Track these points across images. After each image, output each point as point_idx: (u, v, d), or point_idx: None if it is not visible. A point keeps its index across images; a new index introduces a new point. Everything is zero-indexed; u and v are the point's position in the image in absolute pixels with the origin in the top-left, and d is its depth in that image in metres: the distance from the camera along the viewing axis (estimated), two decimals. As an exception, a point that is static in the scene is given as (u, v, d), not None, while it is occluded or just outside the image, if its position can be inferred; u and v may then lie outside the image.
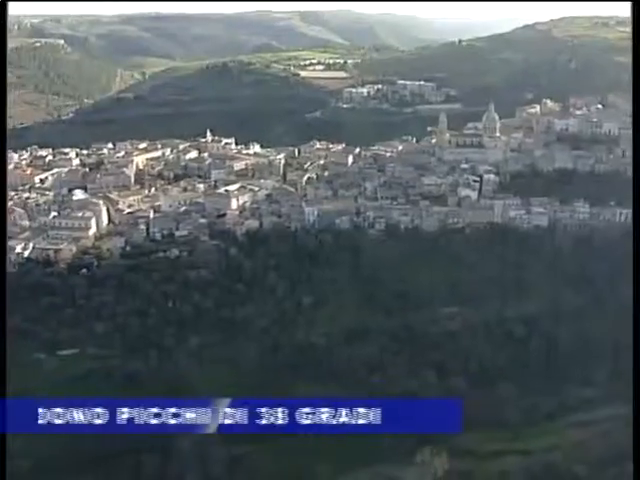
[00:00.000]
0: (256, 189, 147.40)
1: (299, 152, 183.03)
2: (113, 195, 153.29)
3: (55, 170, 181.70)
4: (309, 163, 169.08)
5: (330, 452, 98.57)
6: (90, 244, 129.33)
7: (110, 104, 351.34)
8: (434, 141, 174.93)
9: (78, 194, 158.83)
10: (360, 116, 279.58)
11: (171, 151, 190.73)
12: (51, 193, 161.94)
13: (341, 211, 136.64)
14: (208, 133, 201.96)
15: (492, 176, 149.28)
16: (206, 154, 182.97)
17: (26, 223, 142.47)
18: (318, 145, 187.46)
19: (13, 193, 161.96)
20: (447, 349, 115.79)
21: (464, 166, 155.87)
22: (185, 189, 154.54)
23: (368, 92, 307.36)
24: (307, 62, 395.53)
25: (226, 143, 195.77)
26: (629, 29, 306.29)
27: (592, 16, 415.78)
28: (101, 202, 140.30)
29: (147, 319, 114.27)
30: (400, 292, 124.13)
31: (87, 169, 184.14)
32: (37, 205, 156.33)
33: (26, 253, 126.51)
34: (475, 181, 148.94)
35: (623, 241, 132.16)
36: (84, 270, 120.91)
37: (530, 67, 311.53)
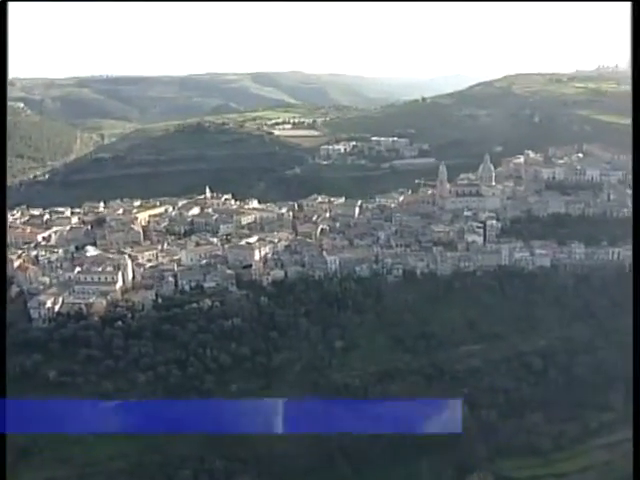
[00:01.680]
0: (276, 241, 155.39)
1: (299, 206, 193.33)
2: (127, 251, 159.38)
3: (55, 228, 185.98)
4: (316, 216, 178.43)
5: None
6: (120, 297, 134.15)
7: (87, 164, 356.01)
8: (430, 192, 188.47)
9: (91, 250, 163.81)
10: (340, 172, 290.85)
11: (173, 208, 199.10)
12: (60, 250, 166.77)
13: (360, 259, 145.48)
14: (207, 190, 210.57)
15: (494, 222, 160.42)
16: (210, 210, 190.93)
17: (46, 279, 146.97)
18: (320, 199, 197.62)
19: (20, 252, 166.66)
20: (473, 384, 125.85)
21: (467, 214, 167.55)
22: (198, 243, 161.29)
23: (345, 149, 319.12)
24: (272, 121, 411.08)
25: (226, 199, 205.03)
26: (583, 84, 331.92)
27: (544, 73, 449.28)
28: (126, 256, 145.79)
29: (187, 368, 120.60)
30: (423, 333, 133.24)
31: (89, 227, 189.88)
32: (49, 262, 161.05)
33: (57, 308, 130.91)
34: (479, 227, 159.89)
35: (619, 277, 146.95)
36: (119, 322, 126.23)
37: (495, 122, 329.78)
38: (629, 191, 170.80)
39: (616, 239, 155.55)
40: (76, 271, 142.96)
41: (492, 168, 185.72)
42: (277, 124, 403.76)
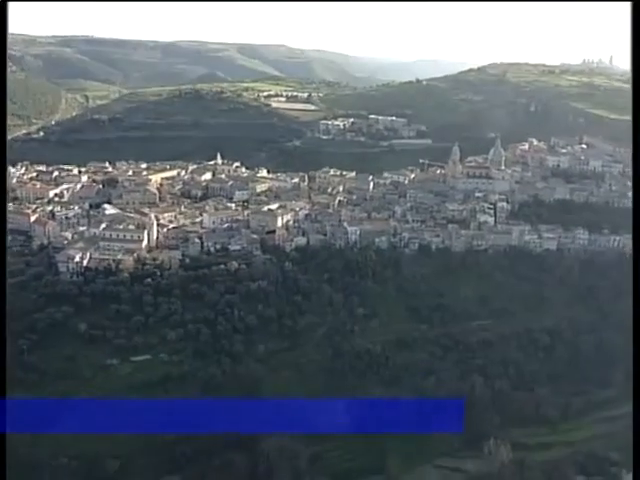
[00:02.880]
0: (297, 209, 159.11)
1: (311, 178, 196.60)
2: (146, 211, 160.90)
3: (66, 185, 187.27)
4: (331, 188, 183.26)
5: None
6: (146, 255, 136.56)
7: (84, 125, 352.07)
8: (439, 172, 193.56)
9: (109, 209, 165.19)
10: (340, 147, 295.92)
11: (184, 172, 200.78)
12: (75, 207, 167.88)
13: (379, 232, 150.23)
14: (218, 156, 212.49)
15: (505, 204, 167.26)
16: (223, 176, 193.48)
17: (67, 234, 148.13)
18: (332, 172, 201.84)
19: (35, 206, 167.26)
20: (486, 356, 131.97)
21: (478, 195, 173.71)
22: (216, 208, 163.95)
23: (344, 125, 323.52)
24: (265, 93, 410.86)
25: (237, 166, 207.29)
26: (576, 78, 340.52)
27: (536, 64, 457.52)
28: (152, 215, 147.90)
29: (216, 327, 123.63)
30: (438, 305, 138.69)
31: (100, 186, 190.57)
32: (67, 218, 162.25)
33: (85, 262, 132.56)
34: (489, 208, 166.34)
35: (620, 264, 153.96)
36: (148, 279, 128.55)
37: (491, 108, 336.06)
38: (630, 183, 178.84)
39: (617, 228, 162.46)
40: (101, 227, 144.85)
41: (502, 152, 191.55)
42: (271, 96, 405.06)
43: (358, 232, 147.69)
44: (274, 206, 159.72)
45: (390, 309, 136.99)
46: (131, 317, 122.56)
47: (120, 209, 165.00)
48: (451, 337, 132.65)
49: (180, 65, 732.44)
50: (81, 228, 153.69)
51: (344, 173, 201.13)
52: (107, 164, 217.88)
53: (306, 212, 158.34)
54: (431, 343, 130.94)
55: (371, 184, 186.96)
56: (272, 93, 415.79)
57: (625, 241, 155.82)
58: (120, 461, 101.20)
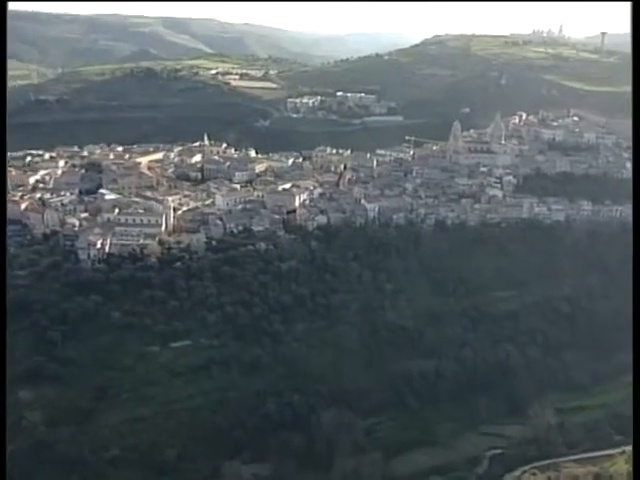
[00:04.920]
0: (311, 188, 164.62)
1: (307, 157, 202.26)
2: (149, 195, 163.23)
3: (43, 172, 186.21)
4: (333, 166, 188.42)
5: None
6: (169, 239, 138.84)
7: (28, 106, 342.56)
8: (435, 148, 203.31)
9: (108, 194, 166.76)
10: (312, 126, 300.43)
11: (170, 154, 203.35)
12: (67, 193, 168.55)
13: (396, 208, 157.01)
14: (205, 137, 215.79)
15: (511, 178, 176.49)
16: (216, 157, 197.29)
17: (73, 221, 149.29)
18: (328, 150, 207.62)
19: (20, 194, 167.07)
20: (513, 326, 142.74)
21: (483, 169, 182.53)
22: (220, 189, 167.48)
23: (312, 103, 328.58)
24: (213, 71, 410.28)
25: (225, 147, 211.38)
26: (542, 49, 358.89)
27: (496, 35, 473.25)
28: (169, 199, 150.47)
29: (253, 308, 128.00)
30: (461, 279, 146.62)
31: (83, 171, 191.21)
32: (63, 205, 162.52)
33: (107, 249, 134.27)
34: (496, 182, 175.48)
35: (624, 233, 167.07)
36: (178, 263, 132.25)
37: (461, 82, 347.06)
38: (625, 154, 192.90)
39: (618, 197, 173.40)
40: (115, 212, 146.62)
41: (502, 126, 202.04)
42: (222, 74, 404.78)
43: (376, 209, 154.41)
44: (287, 185, 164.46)
45: (416, 284, 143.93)
46: (166, 302, 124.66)
47: (119, 194, 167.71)
48: (477, 309, 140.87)
49: (104, 41, 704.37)
50: (83, 215, 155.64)
51: (340, 151, 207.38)
52: (75, 148, 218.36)
53: (320, 191, 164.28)
54: (459, 315, 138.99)
55: (374, 161, 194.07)
56: (221, 71, 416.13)
57: (627, 211, 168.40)
58: (177, 450, 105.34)
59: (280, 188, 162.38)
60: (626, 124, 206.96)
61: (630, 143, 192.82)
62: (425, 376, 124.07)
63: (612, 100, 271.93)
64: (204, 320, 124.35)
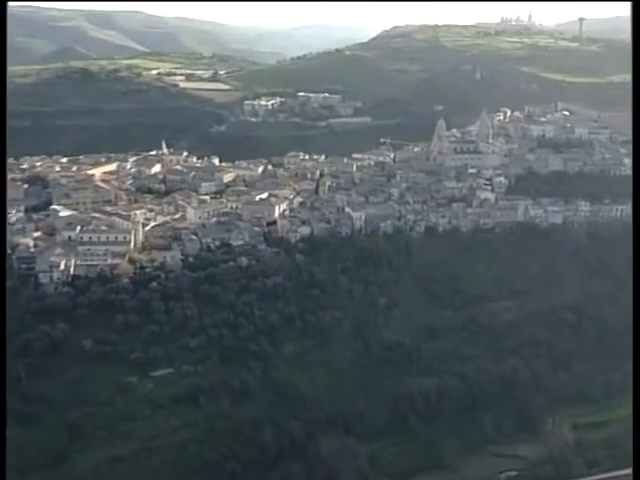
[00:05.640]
0: (291, 197, 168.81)
1: (278, 164, 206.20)
2: (109, 210, 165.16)
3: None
4: (309, 173, 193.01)
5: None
6: (141, 257, 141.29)
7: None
8: (417, 150, 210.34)
9: (62, 210, 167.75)
10: (274, 130, 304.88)
11: (127, 165, 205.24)
12: (13, 211, 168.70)
13: (383, 216, 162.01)
14: (164, 145, 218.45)
15: (502, 179, 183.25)
16: (178, 167, 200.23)
17: (27, 241, 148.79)
18: (301, 156, 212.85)
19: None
20: (516, 337, 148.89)
21: (471, 171, 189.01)
22: (188, 202, 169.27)
23: (272, 105, 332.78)
24: (154, 72, 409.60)
25: (187, 156, 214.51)
26: (517, 39, 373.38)
27: (466, 25, 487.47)
28: (138, 213, 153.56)
29: (238, 330, 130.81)
30: (457, 289, 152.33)
31: (25, 185, 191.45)
32: (11, 224, 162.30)
33: (72, 270, 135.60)
34: (486, 184, 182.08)
35: (627, 234, 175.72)
36: (153, 284, 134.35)
37: (432, 78, 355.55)
38: (622, 150, 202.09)
39: (617, 196, 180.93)
40: (77, 230, 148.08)
41: (489, 124, 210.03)
42: (168, 74, 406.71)
43: (363, 217, 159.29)
44: (264, 195, 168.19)
45: (410, 296, 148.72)
46: (142, 327, 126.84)
47: (74, 210, 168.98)
48: (476, 321, 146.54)
49: (20, 37, 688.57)
50: (35, 234, 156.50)
51: (315, 157, 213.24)
52: (12, 160, 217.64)
53: (300, 200, 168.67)
54: (458, 329, 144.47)
55: (354, 166, 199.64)
56: (163, 71, 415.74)
57: (627, 210, 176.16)
58: None
59: (257, 198, 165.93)
60: (620, 117, 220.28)
61: (626, 137, 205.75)
62: (427, 395, 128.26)
63: (598, 92, 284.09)
64: (186, 345, 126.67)
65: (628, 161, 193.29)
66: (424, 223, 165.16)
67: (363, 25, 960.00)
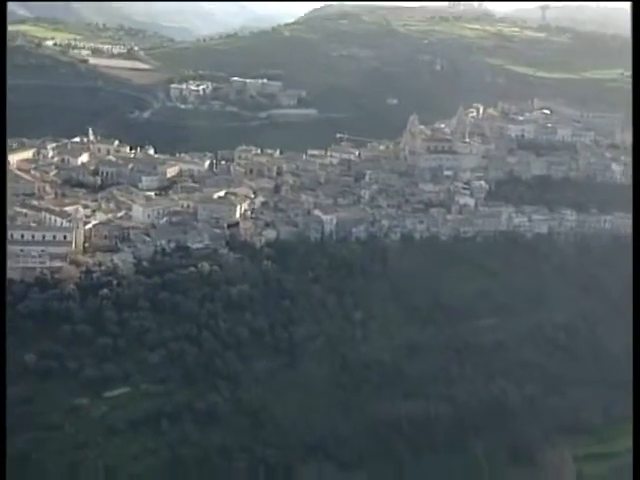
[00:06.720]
0: (252, 196, 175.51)
1: (228, 159, 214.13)
2: (35, 204, 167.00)
3: None
4: (266, 169, 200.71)
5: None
6: (86, 260, 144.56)
7: None
8: (383, 147, 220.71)
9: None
10: (208, 120, 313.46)
11: (46, 152, 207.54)
12: None
13: (356, 220, 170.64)
14: (90, 132, 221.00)
15: (482, 183, 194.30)
16: (111, 157, 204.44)
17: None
18: (254, 151, 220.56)
19: None
20: (505, 358, 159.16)
21: (447, 173, 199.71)
22: (130, 198, 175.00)
23: (203, 90, 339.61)
24: (50, 43, 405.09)
25: (118, 145, 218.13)
26: (480, 26, 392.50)
27: (415, 6, 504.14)
28: (79, 207, 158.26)
29: (202, 344, 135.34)
30: (438, 303, 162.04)
31: None
32: None
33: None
34: (464, 188, 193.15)
35: (616, 247, 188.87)
36: (104, 290, 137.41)
37: (386, 66, 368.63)
38: (608, 154, 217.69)
39: (605, 205, 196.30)
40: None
41: (467, 122, 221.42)
42: (71, 47, 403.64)
43: (334, 221, 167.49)
44: (221, 193, 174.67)
45: (389, 310, 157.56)
46: (93, 340, 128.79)
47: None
48: (460, 339, 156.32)
49: None
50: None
51: (269, 152, 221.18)
52: None
53: (262, 200, 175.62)
54: (441, 347, 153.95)
55: (316, 164, 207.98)
56: (61, 42, 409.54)
57: (616, 221, 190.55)
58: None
59: (215, 196, 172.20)
60: (603, 119, 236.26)
61: (610, 141, 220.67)
62: (413, 420, 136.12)
63: (574, 89, 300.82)
64: (144, 361, 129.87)
65: (615, 167, 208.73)
66: (400, 229, 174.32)
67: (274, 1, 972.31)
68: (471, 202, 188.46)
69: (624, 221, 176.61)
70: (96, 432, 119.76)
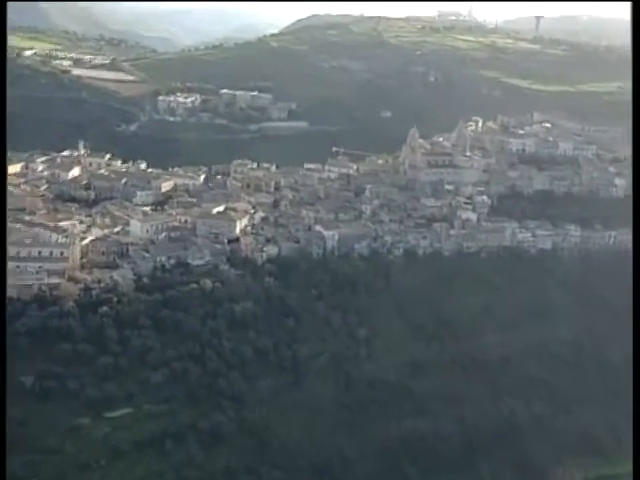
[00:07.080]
0: (251, 211, 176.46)
1: (224, 173, 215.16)
2: (27, 219, 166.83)
3: None
4: (264, 184, 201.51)
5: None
6: (86, 277, 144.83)
7: None
8: (381, 162, 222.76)
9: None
10: (197, 133, 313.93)
11: (33, 167, 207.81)
12: None
13: (359, 235, 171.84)
14: (81, 145, 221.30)
15: (485, 198, 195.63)
16: (103, 171, 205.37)
17: None
18: (249, 165, 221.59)
19: None
20: (512, 375, 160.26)
21: (449, 187, 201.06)
22: (126, 213, 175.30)
23: (192, 102, 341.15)
24: (29, 52, 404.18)
25: (110, 158, 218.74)
26: (472, 37, 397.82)
27: (407, 17, 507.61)
28: (76, 223, 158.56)
29: (206, 363, 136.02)
30: (443, 320, 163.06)
31: None
32: None
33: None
34: (467, 203, 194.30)
35: (621, 263, 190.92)
36: (104, 308, 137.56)
37: (378, 79, 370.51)
38: (611, 169, 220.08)
39: (609, 221, 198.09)
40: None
41: (467, 135, 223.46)
42: (51, 57, 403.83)
43: (336, 237, 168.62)
44: (220, 208, 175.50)
45: (393, 327, 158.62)
46: (95, 359, 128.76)
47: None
48: (466, 355, 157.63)
49: None
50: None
51: (265, 166, 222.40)
52: None
53: (262, 215, 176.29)
54: (448, 364, 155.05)
55: (315, 179, 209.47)
56: (41, 52, 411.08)
57: (620, 237, 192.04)
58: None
59: (214, 211, 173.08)
60: (605, 132, 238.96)
61: (613, 155, 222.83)
62: (420, 439, 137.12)
63: (573, 103, 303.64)
64: (147, 381, 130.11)
65: (619, 182, 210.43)
66: (403, 245, 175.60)
67: (255, 11, 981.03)
68: (474, 217, 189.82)
69: (629, 237, 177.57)
70: (99, 454, 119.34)
